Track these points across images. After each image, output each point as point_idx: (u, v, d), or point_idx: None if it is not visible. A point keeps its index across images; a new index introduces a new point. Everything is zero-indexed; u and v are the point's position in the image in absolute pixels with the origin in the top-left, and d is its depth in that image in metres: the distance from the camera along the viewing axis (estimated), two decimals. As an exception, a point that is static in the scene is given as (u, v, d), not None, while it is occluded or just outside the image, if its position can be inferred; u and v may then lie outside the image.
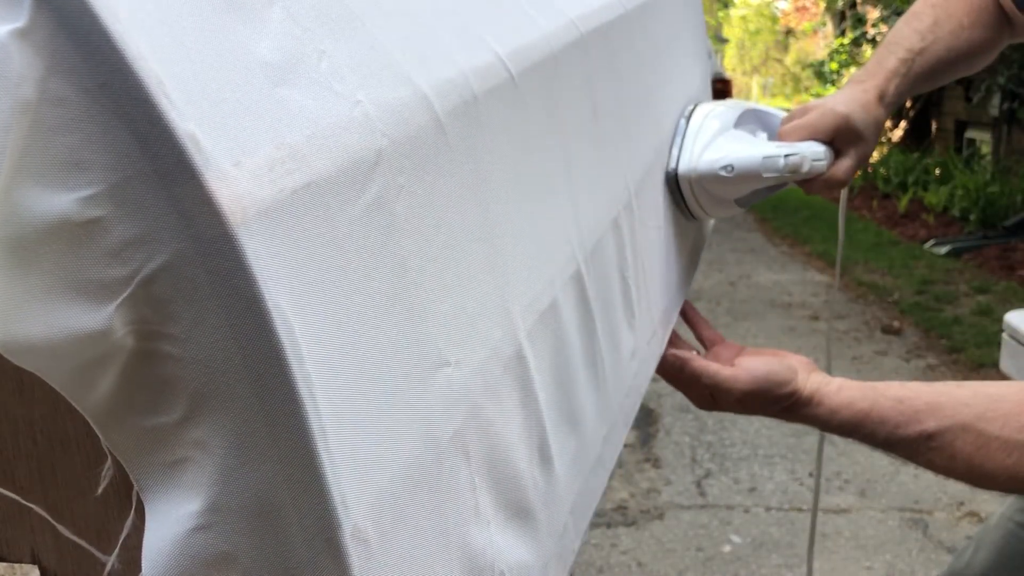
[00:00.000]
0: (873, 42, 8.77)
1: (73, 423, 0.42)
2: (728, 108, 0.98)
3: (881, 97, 0.95)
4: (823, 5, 12.78)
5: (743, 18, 26.14)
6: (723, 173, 0.88)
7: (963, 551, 1.25)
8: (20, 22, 0.28)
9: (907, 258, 5.54)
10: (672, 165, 0.91)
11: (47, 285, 0.30)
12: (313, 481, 0.33)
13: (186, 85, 0.30)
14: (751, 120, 0.98)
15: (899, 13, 7.45)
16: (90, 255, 0.30)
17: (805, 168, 0.88)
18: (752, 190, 0.92)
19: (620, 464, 2.99)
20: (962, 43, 1.00)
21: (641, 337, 0.81)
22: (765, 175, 0.87)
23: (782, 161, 0.87)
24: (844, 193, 1.08)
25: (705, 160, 0.90)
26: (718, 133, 0.93)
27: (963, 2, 1.00)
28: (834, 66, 9.77)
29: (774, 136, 0.99)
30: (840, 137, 0.93)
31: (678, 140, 0.93)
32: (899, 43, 0.98)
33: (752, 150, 0.89)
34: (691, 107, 1.00)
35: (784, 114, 1.02)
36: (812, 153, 0.89)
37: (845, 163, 0.93)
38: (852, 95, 0.94)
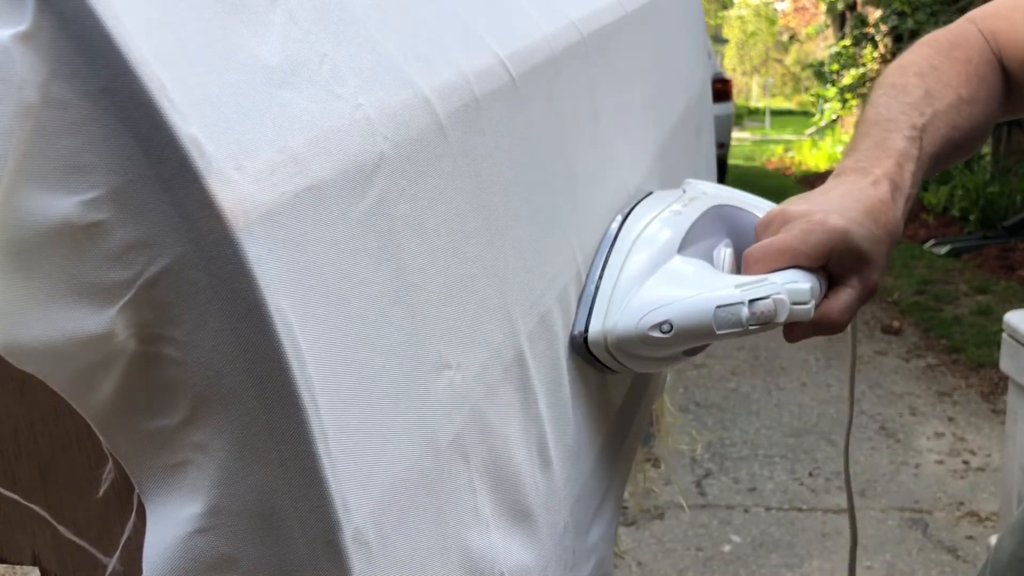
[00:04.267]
0: (874, 42, 8.77)
1: (74, 425, 0.43)
2: (678, 213, 0.69)
3: (895, 190, 0.67)
4: (823, 6, 12.78)
5: (741, 19, 26.16)
6: (656, 334, 0.59)
7: None
8: (23, 25, 0.28)
9: (907, 258, 5.54)
10: (580, 326, 0.61)
11: (49, 288, 0.30)
12: (314, 484, 0.33)
13: (188, 88, 0.30)
14: (713, 227, 0.70)
15: (899, 14, 7.43)
16: (92, 258, 0.30)
17: (781, 317, 0.58)
18: (705, 344, 0.64)
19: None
20: (964, 120, 0.76)
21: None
22: (720, 332, 0.58)
23: (745, 311, 0.57)
24: (853, 328, 0.77)
25: (630, 315, 0.60)
26: (653, 266, 0.63)
27: (958, 72, 0.77)
28: (835, 67, 9.76)
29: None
30: (837, 260, 0.62)
31: (592, 281, 0.63)
32: (894, 120, 0.72)
33: (701, 294, 0.59)
34: (625, 211, 0.70)
35: (768, 205, 0.73)
36: (792, 292, 0.59)
37: (843, 297, 0.63)
38: (855, 193, 0.65)
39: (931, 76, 0.76)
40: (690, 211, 0.69)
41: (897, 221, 0.65)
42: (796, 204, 0.65)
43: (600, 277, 0.63)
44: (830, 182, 0.69)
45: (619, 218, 0.69)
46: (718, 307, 0.58)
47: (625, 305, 0.61)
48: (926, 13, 6.97)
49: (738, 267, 0.65)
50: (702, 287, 0.60)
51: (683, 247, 0.65)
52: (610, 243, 0.66)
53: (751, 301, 0.58)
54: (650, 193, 0.76)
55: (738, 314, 0.58)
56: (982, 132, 0.79)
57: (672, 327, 0.59)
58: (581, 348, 0.61)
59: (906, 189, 0.68)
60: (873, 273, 0.64)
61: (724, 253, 0.68)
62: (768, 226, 0.66)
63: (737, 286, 0.59)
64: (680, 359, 0.66)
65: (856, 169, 0.68)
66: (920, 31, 6.98)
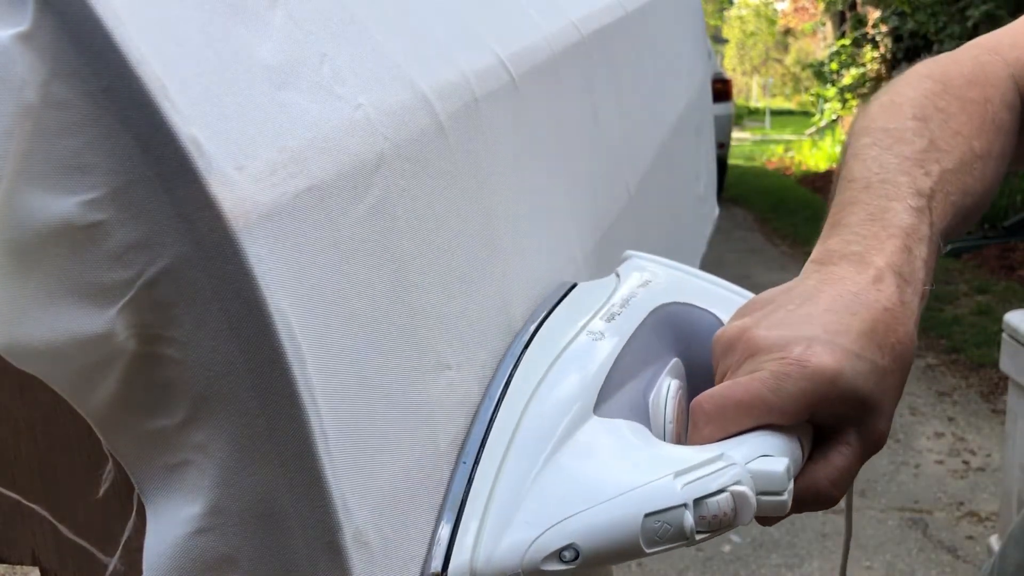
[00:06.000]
0: (873, 42, 8.77)
1: (74, 425, 0.43)
2: (598, 337, 0.49)
3: (904, 289, 0.47)
4: (822, 5, 12.79)
5: (741, 19, 26.18)
6: (553, 567, 0.39)
7: None
8: (23, 26, 0.28)
9: (907, 258, 5.53)
10: (436, 559, 0.40)
11: (49, 289, 0.30)
12: (314, 484, 0.33)
13: (188, 89, 0.30)
14: (653, 347, 0.51)
15: (900, 14, 7.42)
16: (92, 259, 0.30)
17: (744, 519, 0.40)
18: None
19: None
20: (976, 182, 0.56)
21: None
22: (652, 550, 0.39)
23: (688, 518, 0.39)
24: (848, 500, 0.59)
25: (513, 539, 0.40)
26: (554, 443, 0.43)
27: (971, 117, 0.58)
28: (834, 66, 9.76)
29: (705, 361, 0.48)
30: (826, 412, 0.44)
31: (461, 474, 0.43)
32: (892, 181, 0.52)
33: (622, 495, 0.39)
34: (528, 332, 0.50)
35: (737, 298, 0.54)
36: (759, 477, 0.41)
37: (835, 462, 0.45)
38: (848, 302, 0.45)
39: (936, 121, 0.57)
40: (620, 327, 0.50)
41: (909, 337, 0.46)
42: (767, 324, 0.45)
43: (475, 464, 0.43)
44: (812, 277, 0.48)
45: (520, 342, 0.49)
46: (648, 516, 0.39)
47: (507, 518, 0.40)
48: (926, 13, 6.97)
49: (688, 410, 0.46)
50: (625, 480, 0.40)
51: (603, 397, 0.46)
52: (497, 396, 0.46)
53: (697, 501, 0.39)
54: (572, 287, 0.56)
55: (678, 522, 0.39)
56: (989, 197, 0.59)
57: (578, 553, 0.39)
58: None
59: (919, 284, 0.48)
60: (879, 421, 0.45)
61: (667, 390, 0.49)
62: (729, 351, 0.46)
63: (678, 475, 0.39)
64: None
65: (847, 256, 0.48)
66: (920, 31, 6.98)
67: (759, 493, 0.40)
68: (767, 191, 8.59)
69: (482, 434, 0.44)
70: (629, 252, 0.61)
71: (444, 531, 0.41)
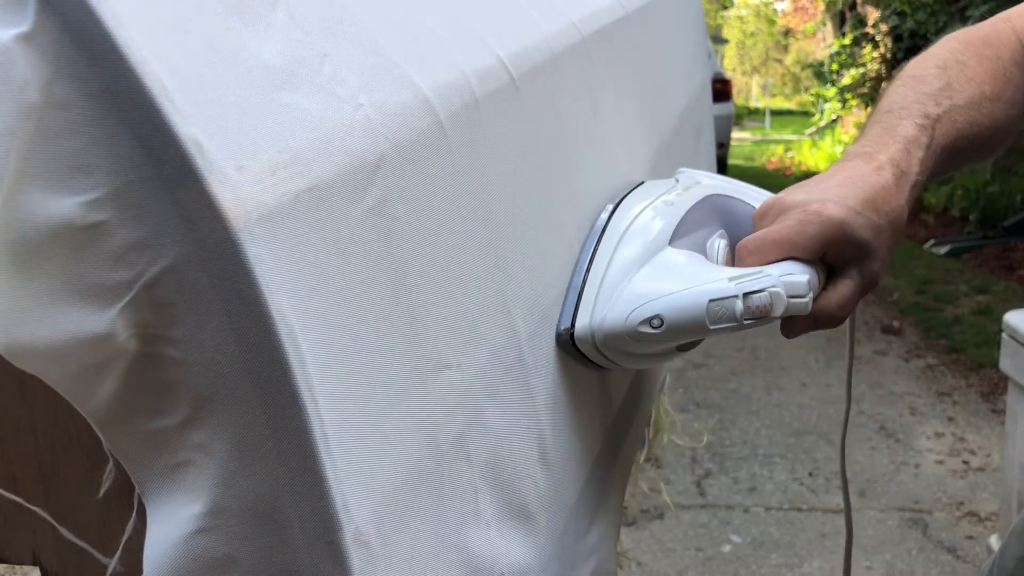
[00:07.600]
0: (873, 42, 8.77)
1: (75, 426, 0.43)
2: (670, 204, 0.67)
3: (900, 177, 0.64)
4: (822, 6, 12.78)
5: (741, 19, 26.16)
6: (646, 330, 0.56)
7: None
8: (25, 26, 0.28)
9: (907, 258, 5.54)
10: (566, 321, 0.59)
11: (50, 289, 0.31)
12: (315, 484, 0.33)
13: (189, 89, 0.30)
14: (707, 218, 0.68)
15: (899, 13, 7.42)
16: (93, 259, 0.30)
17: (777, 311, 0.57)
18: (699, 338, 0.61)
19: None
20: (985, 118, 0.72)
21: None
22: (714, 327, 0.56)
23: (739, 305, 0.55)
24: (851, 321, 0.74)
25: (618, 310, 0.58)
26: (643, 258, 0.61)
27: (985, 68, 0.73)
28: (834, 67, 9.76)
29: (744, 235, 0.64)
30: (835, 252, 0.60)
31: (579, 274, 0.61)
32: (907, 108, 0.68)
33: (693, 287, 0.57)
34: (615, 201, 0.69)
35: (765, 195, 0.72)
36: (788, 285, 0.57)
37: (842, 290, 0.61)
38: (855, 180, 0.62)
39: (954, 69, 0.72)
40: (683, 201, 0.67)
41: (900, 209, 0.63)
42: (793, 193, 0.63)
43: (588, 269, 0.61)
44: (833, 167, 0.66)
45: (609, 208, 0.67)
46: (711, 301, 0.56)
47: (614, 299, 0.58)
48: (926, 13, 6.97)
49: (733, 259, 0.65)
50: (694, 280, 0.58)
51: (675, 238, 0.63)
52: (599, 234, 0.64)
53: (746, 295, 0.56)
54: (641, 183, 0.74)
55: (732, 308, 0.56)
56: (1003, 134, 0.75)
57: (663, 322, 0.56)
58: (567, 345, 0.59)
59: (912, 175, 0.65)
60: (874, 264, 0.62)
61: (718, 245, 0.66)
62: (764, 216, 0.64)
63: (731, 279, 0.57)
64: (673, 354, 0.64)
65: (860, 154, 0.65)
66: (920, 31, 6.98)
67: (788, 296, 0.57)
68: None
69: (590, 254, 0.63)
70: (682, 168, 0.81)
71: (570, 304, 0.60)
